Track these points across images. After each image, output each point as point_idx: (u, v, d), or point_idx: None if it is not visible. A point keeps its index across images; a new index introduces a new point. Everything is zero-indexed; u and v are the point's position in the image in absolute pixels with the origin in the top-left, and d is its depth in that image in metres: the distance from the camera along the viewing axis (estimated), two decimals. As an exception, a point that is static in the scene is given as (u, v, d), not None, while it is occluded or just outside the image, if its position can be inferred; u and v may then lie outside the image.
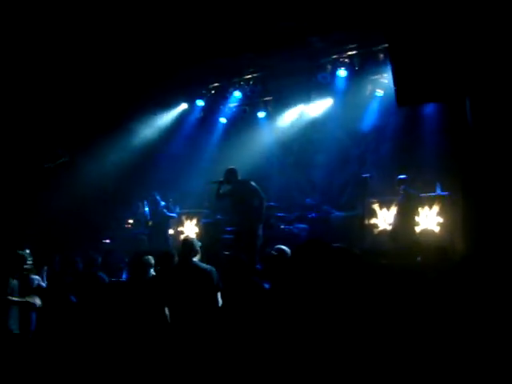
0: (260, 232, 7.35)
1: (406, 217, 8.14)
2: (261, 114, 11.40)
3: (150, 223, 9.76)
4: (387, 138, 10.20)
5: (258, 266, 6.87)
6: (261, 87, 10.69)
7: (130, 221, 10.75)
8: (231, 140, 11.63)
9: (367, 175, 8.53)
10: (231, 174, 7.56)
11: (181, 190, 11.20)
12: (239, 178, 7.63)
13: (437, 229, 8.43)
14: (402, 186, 8.08)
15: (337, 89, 10.09)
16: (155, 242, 9.53)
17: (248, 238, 7.26)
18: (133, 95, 10.16)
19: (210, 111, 11.62)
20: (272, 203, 9.93)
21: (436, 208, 8.49)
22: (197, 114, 11.72)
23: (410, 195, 8.04)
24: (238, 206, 7.42)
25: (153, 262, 5.24)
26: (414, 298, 3.08)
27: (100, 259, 5.99)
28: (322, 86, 10.16)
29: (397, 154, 9.91)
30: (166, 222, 9.92)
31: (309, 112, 11.11)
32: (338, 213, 9.97)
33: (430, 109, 9.36)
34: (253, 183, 7.42)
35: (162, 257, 5.25)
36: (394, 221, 8.29)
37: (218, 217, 10.54)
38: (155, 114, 10.89)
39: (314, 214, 10.04)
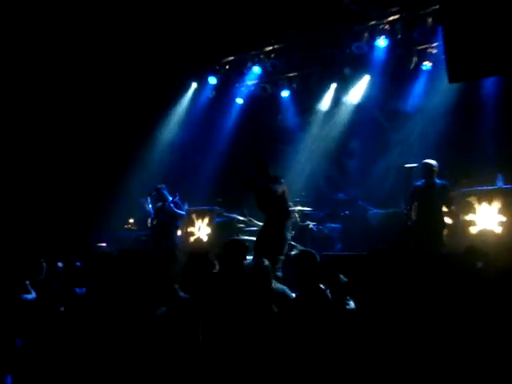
0: (288, 235, 7.30)
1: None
2: (284, 94, 11.40)
3: (155, 222, 9.51)
4: (435, 120, 9.95)
5: (278, 274, 6.64)
6: (284, 61, 10.62)
7: (131, 220, 10.57)
8: (249, 124, 11.64)
9: (412, 165, 8.15)
10: (261, 166, 7.44)
11: (190, 184, 11.16)
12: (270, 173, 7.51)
13: (498, 229, 8.19)
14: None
15: (375, 62, 10.05)
16: (159, 245, 9.31)
17: (273, 240, 7.14)
18: (132, 74, 10.24)
19: (225, 90, 11.60)
20: (297, 198, 9.87)
21: (497, 204, 8.24)
22: (208, 94, 11.68)
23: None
24: (265, 204, 7.42)
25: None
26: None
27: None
28: (358, 59, 10.11)
29: (447, 140, 9.67)
30: (173, 221, 9.67)
31: (341, 90, 11.08)
32: (376, 210, 9.89)
33: (488, 85, 9.14)
34: (282, 181, 7.43)
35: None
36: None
37: (234, 216, 10.47)
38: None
39: (347, 212, 10.03)
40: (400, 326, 3.07)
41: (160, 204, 9.47)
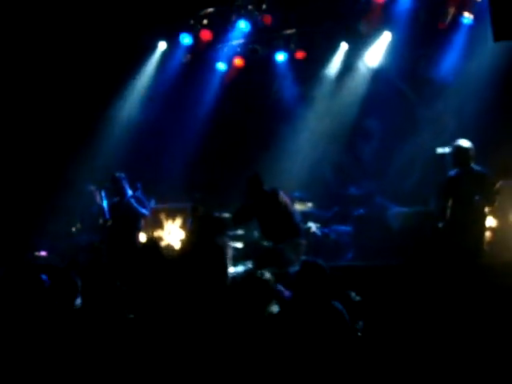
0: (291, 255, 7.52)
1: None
2: (279, 57, 11.34)
3: (109, 223, 9.23)
4: (477, 91, 9.81)
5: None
6: (279, 15, 10.54)
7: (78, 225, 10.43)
8: (234, 97, 11.59)
9: (444, 150, 8.02)
10: (253, 184, 8.00)
11: (157, 175, 11.10)
12: (264, 187, 8.00)
13: None
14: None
15: (398, 15, 10.03)
16: (116, 253, 9.00)
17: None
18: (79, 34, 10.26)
19: (202, 53, 11.45)
20: (296, 193, 9.96)
21: None
22: (181, 58, 11.48)
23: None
24: (267, 225, 8.01)
25: None
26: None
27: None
28: (375, 11, 10.04)
29: (491, 117, 9.67)
30: (133, 222, 9.40)
31: (354, 52, 11.02)
32: (398, 208, 9.85)
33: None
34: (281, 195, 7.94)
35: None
36: None
37: (216, 214, 10.18)
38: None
39: (361, 211, 10.01)
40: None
41: (116, 199, 9.18)
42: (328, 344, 4.33)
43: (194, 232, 8.84)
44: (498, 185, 7.66)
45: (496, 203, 7.65)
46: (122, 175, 9.28)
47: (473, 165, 7.42)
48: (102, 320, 4.71)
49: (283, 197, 7.86)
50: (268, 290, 4.72)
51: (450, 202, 7.50)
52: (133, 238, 9.37)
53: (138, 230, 9.56)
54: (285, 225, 7.70)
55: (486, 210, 7.64)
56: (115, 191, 9.28)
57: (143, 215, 9.45)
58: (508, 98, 9.56)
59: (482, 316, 3.73)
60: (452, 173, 7.55)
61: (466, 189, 7.38)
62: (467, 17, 9.69)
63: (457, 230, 7.39)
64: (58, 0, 10.03)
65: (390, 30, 10.40)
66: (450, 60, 10.24)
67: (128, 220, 9.25)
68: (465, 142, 7.49)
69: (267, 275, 4.78)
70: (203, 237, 7.14)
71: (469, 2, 9.61)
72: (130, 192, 9.25)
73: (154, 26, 11.04)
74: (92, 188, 9.62)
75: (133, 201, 9.19)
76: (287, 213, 7.77)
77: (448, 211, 7.50)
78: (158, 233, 10.91)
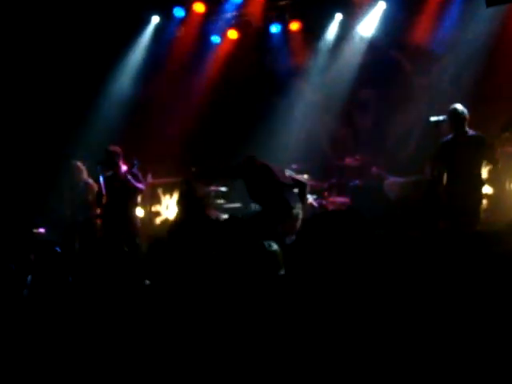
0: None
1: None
2: (273, 29, 11.23)
3: (105, 200, 9.14)
4: (473, 60, 9.80)
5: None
6: None
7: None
8: (229, 70, 11.46)
9: (439, 118, 7.94)
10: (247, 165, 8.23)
11: (153, 150, 10.90)
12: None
13: None
14: None
15: None
16: (113, 229, 8.97)
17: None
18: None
19: (196, 26, 11.29)
20: (293, 165, 9.86)
21: None
22: (174, 31, 11.37)
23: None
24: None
25: None
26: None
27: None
28: None
29: (488, 86, 9.65)
30: (130, 198, 9.31)
31: (348, 22, 10.91)
32: (395, 178, 9.87)
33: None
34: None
35: None
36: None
37: (213, 188, 10.41)
38: None
39: (357, 182, 10.07)
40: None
41: (111, 174, 9.04)
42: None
43: (181, 208, 8.91)
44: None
45: (499, 164, 7.56)
46: (117, 149, 9.14)
47: (468, 129, 7.38)
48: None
49: (274, 171, 7.99)
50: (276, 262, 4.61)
51: (445, 168, 7.47)
52: (130, 213, 9.36)
53: (135, 204, 9.53)
54: (274, 199, 7.85)
55: (484, 175, 7.70)
56: (109, 165, 9.09)
57: (141, 190, 9.40)
58: (503, 66, 9.45)
59: (474, 285, 3.69)
60: (447, 137, 7.51)
61: (462, 152, 7.30)
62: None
63: (454, 196, 7.33)
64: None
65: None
66: (445, 28, 10.10)
67: (124, 195, 9.18)
68: (459, 106, 7.44)
69: (274, 246, 4.63)
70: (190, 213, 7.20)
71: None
72: (124, 167, 9.16)
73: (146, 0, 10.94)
74: (77, 163, 9.55)
75: (129, 177, 9.11)
76: (277, 187, 7.90)
77: (444, 177, 7.46)
78: (155, 207, 10.98)
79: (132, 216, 9.34)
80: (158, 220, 11.08)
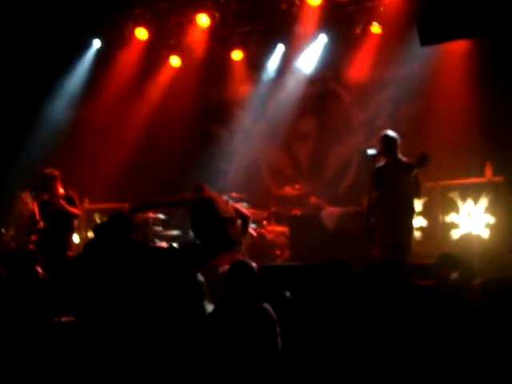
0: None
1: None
2: (216, 58, 11.31)
3: (42, 225, 8.96)
4: (411, 95, 10.13)
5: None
6: (217, 14, 10.42)
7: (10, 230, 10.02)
8: (170, 98, 11.42)
9: (375, 151, 8.01)
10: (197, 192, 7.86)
11: (91, 175, 10.94)
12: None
13: (485, 233, 8.39)
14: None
15: (333, 18, 10.15)
16: (49, 254, 8.76)
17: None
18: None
19: (138, 51, 11.16)
20: (232, 193, 9.92)
21: (484, 202, 8.42)
22: (115, 56, 11.30)
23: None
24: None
25: None
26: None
27: None
28: (311, 15, 9.96)
29: (424, 121, 9.87)
30: (65, 223, 9.13)
31: (291, 55, 11.02)
32: (333, 208, 9.82)
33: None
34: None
35: None
36: None
37: (151, 216, 10.28)
38: None
39: (296, 211, 10.03)
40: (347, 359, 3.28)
41: (47, 198, 8.85)
42: (253, 344, 4.38)
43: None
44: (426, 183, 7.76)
45: (420, 195, 7.53)
46: (54, 172, 8.95)
47: (400, 156, 7.29)
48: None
49: (218, 205, 7.79)
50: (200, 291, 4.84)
51: (379, 194, 7.31)
52: (66, 239, 9.20)
53: (71, 230, 9.38)
54: (216, 233, 7.62)
55: (418, 208, 7.85)
56: (45, 189, 8.87)
57: (75, 215, 9.23)
58: (439, 102, 9.67)
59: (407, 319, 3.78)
60: (380, 164, 7.39)
61: (392, 179, 7.20)
62: (375, 27, 9.88)
63: (384, 223, 7.20)
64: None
65: (326, 33, 10.40)
66: (383, 64, 10.30)
67: (60, 220, 9.05)
68: (390, 132, 7.36)
69: (200, 277, 4.97)
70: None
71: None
72: (61, 190, 8.99)
73: (89, 24, 10.77)
74: (24, 194, 9.36)
75: (64, 200, 8.93)
76: (221, 220, 7.66)
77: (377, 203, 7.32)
78: (92, 233, 10.79)
79: (68, 241, 9.18)
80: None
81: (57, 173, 8.85)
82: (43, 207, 8.85)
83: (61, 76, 11.10)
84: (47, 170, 8.81)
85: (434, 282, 4.83)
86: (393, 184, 7.19)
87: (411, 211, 7.30)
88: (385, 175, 7.23)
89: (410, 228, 7.38)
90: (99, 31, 11.06)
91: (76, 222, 9.36)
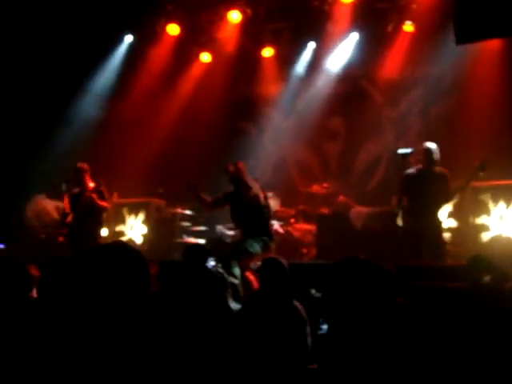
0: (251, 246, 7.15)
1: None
2: (247, 54, 11.26)
3: (70, 218, 9.02)
4: (442, 93, 10.05)
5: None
6: (248, 11, 10.42)
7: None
8: (201, 94, 11.44)
9: (407, 150, 7.98)
10: (227, 174, 7.55)
11: (120, 169, 10.80)
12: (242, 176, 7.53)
13: None
14: None
15: (366, 15, 10.08)
16: (78, 248, 8.83)
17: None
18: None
19: (169, 46, 11.19)
20: None
21: None
22: (147, 51, 11.30)
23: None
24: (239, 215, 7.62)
25: None
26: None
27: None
28: (344, 11, 9.96)
29: (455, 120, 9.78)
30: (95, 216, 9.21)
31: (321, 52, 10.98)
32: (361, 207, 9.89)
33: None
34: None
35: None
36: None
37: (179, 211, 10.43)
38: None
39: (324, 209, 10.03)
40: (375, 360, 3.09)
41: (77, 191, 8.93)
42: (283, 342, 4.36)
43: None
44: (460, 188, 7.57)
45: (452, 199, 7.61)
46: (85, 166, 8.98)
47: (435, 167, 7.38)
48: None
49: (260, 192, 7.49)
50: (221, 286, 4.90)
51: (406, 200, 7.50)
52: (94, 232, 9.24)
53: (100, 223, 9.44)
54: (257, 219, 7.31)
55: (448, 208, 7.88)
56: (76, 182, 8.93)
57: (104, 209, 9.30)
58: (471, 101, 9.56)
59: (440, 319, 3.73)
60: (410, 170, 7.53)
61: (422, 188, 7.32)
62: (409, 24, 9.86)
63: (414, 229, 7.37)
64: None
65: (358, 31, 10.38)
66: (416, 62, 10.23)
67: (88, 214, 9.07)
68: (430, 144, 7.46)
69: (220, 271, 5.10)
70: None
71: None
72: (91, 184, 9.08)
73: (121, 19, 10.74)
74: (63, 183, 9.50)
75: (94, 194, 9.01)
76: (261, 208, 7.36)
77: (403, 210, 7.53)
78: (119, 227, 10.84)
79: (96, 235, 9.25)
80: (121, 239, 10.92)
81: (86, 166, 8.93)
82: (73, 200, 8.94)
83: (93, 71, 11.15)
84: (78, 164, 8.91)
85: (465, 285, 4.80)
86: (421, 197, 7.34)
87: (440, 226, 7.53)
88: (412, 184, 7.42)
89: (441, 232, 7.55)
90: (131, 27, 11.11)
91: (105, 216, 9.46)
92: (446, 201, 7.45)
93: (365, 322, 3.29)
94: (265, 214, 7.40)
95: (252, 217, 7.28)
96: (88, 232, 8.94)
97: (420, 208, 7.33)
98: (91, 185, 8.86)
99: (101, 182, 8.94)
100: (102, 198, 8.94)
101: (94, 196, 8.82)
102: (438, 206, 7.41)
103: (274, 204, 9.69)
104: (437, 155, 7.35)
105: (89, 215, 8.93)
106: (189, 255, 5.34)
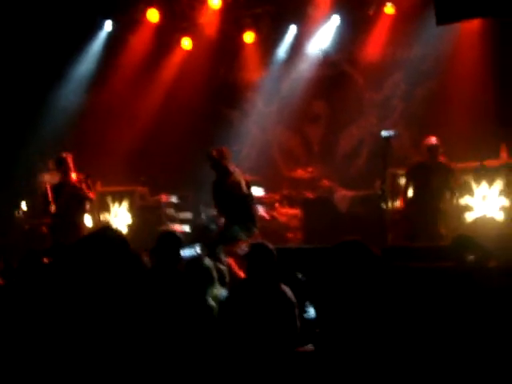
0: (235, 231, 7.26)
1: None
2: (228, 40, 11.19)
3: (53, 207, 8.96)
4: (425, 75, 10.08)
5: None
6: None
7: (23, 207, 10.07)
8: (182, 80, 11.30)
9: (389, 133, 8.00)
10: (210, 159, 7.57)
11: (103, 158, 10.73)
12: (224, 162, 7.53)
13: (499, 215, 8.31)
14: None
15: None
16: (62, 237, 8.78)
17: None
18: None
19: (149, 33, 11.08)
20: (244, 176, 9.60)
21: (499, 184, 8.35)
22: (127, 38, 11.19)
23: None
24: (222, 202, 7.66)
25: None
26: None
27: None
28: None
29: (438, 101, 9.85)
30: (79, 206, 9.14)
31: (303, 35, 10.93)
32: (345, 191, 9.88)
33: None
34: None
35: None
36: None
37: (164, 199, 10.41)
38: None
39: (309, 194, 10.03)
40: (368, 341, 3.07)
41: (61, 181, 8.86)
42: (273, 326, 4.37)
43: None
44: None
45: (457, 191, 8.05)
46: (69, 156, 8.91)
47: (439, 159, 7.84)
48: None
49: (241, 178, 7.53)
50: (208, 275, 4.88)
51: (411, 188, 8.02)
52: (78, 221, 9.18)
53: (84, 212, 9.38)
54: (240, 206, 7.35)
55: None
56: (61, 172, 8.93)
57: (89, 199, 9.25)
58: (453, 82, 9.59)
59: (421, 296, 3.74)
60: (418, 162, 8.02)
61: (428, 179, 7.82)
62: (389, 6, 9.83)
63: (417, 215, 7.87)
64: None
65: (339, 14, 10.31)
66: (397, 44, 10.28)
67: (73, 202, 9.03)
68: (433, 139, 7.84)
69: (208, 262, 5.02)
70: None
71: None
72: (73, 175, 9.00)
73: (100, 6, 10.62)
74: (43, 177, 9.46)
75: (80, 183, 8.95)
76: (243, 194, 7.41)
77: (407, 196, 8.05)
78: (104, 216, 10.79)
79: (80, 224, 9.19)
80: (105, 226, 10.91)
81: (70, 156, 8.88)
82: (56, 190, 8.88)
83: (72, 59, 10.99)
84: (62, 154, 8.84)
85: (450, 264, 4.83)
86: (426, 186, 7.87)
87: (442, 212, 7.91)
88: (418, 173, 7.94)
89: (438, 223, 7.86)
90: (111, 13, 10.96)
91: (88, 206, 9.41)
92: (451, 192, 7.94)
93: (358, 304, 3.31)
94: (247, 201, 7.43)
95: (234, 204, 7.31)
96: (72, 222, 8.90)
97: (423, 197, 7.84)
98: (74, 175, 8.80)
99: (89, 174, 8.92)
100: (89, 188, 8.91)
101: (83, 186, 8.79)
102: (443, 197, 7.85)
103: (257, 191, 9.74)
104: (439, 147, 7.80)
105: (73, 205, 8.87)
106: (162, 243, 5.32)
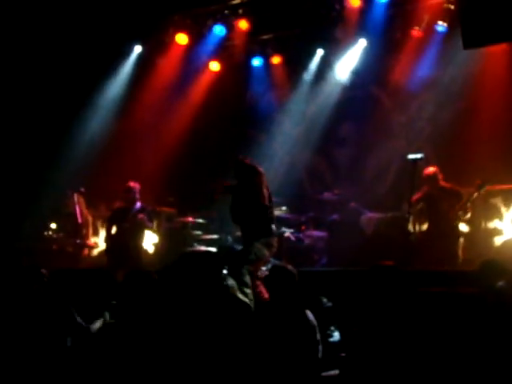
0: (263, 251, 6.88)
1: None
2: (255, 62, 11.32)
3: (114, 230, 9.18)
4: (452, 97, 9.97)
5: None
6: (256, 19, 10.44)
7: (53, 225, 10.14)
8: (210, 103, 11.46)
9: (416, 156, 7.93)
10: (235, 162, 7.47)
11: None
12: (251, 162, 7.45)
13: None
14: None
15: (373, 22, 9.98)
16: (120, 259, 8.91)
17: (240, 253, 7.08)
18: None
19: (178, 56, 11.26)
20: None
21: None
22: (156, 62, 11.41)
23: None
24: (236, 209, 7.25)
25: None
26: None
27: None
28: (351, 17, 9.98)
29: (466, 124, 9.63)
30: (140, 232, 9.39)
31: (330, 58, 10.98)
32: (372, 214, 9.84)
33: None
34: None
35: None
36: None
37: (190, 220, 10.38)
38: None
39: (335, 216, 9.98)
40: (395, 367, 3.20)
41: (123, 207, 9.24)
42: (294, 352, 4.32)
43: None
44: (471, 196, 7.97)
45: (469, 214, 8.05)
46: (137, 186, 9.27)
47: (441, 184, 8.12)
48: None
49: (266, 187, 7.16)
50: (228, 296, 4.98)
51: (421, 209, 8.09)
52: (138, 246, 9.37)
53: (143, 239, 9.55)
54: (259, 217, 6.86)
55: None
56: (127, 200, 9.24)
57: (149, 227, 9.49)
58: (481, 105, 9.49)
59: (453, 323, 3.67)
60: (423, 191, 8.19)
61: (436, 199, 8.00)
62: (441, 24, 9.59)
63: (430, 237, 7.95)
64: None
65: (366, 37, 10.33)
66: (425, 66, 10.19)
67: (137, 229, 9.23)
68: (431, 169, 8.25)
69: (230, 282, 5.18)
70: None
71: (443, 10, 9.46)
72: (138, 204, 9.22)
73: (130, 30, 10.78)
74: (69, 192, 9.59)
75: (142, 212, 9.17)
76: (265, 205, 6.93)
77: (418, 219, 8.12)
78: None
79: (140, 248, 9.42)
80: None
81: (138, 186, 9.29)
82: (118, 215, 9.23)
83: (103, 82, 11.19)
84: (130, 183, 9.24)
85: (478, 290, 4.73)
86: (435, 206, 8.10)
87: (456, 233, 8.08)
88: (427, 203, 8.17)
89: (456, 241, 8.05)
90: (140, 37, 11.15)
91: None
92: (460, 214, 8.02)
93: (387, 329, 3.27)
94: (267, 213, 6.99)
95: (253, 213, 6.88)
96: (133, 246, 9.23)
97: (435, 217, 8.07)
98: (138, 204, 9.20)
99: (153, 207, 9.68)
100: (150, 219, 9.30)
101: (145, 216, 9.16)
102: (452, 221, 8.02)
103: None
104: (438, 175, 8.18)
105: (136, 231, 9.25)
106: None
